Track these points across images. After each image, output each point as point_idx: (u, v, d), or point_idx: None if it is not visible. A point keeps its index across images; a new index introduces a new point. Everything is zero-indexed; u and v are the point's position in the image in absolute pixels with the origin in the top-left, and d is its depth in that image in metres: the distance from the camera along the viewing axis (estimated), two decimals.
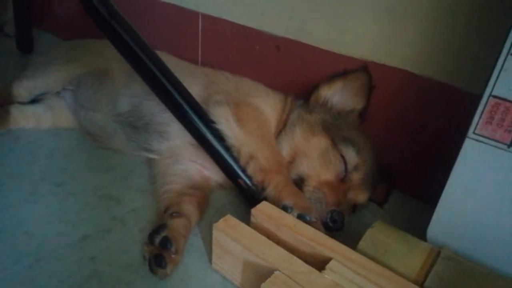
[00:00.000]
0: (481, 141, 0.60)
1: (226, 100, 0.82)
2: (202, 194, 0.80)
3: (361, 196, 0.79)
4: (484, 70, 0.75)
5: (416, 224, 0.83)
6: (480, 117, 0.60)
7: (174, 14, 1.21)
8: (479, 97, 0.60)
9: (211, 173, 0.86)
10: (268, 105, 0.87)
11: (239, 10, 1.09)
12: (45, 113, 1.03)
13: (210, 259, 0.70)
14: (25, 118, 1.02)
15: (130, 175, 0.91)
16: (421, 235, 0.68)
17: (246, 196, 0.80)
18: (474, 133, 0.61)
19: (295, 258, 0.59)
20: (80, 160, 0.94)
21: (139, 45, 0.76)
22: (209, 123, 0.78)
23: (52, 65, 1.06)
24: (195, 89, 0.87)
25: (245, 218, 0.69)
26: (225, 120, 0.78)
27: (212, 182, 0.87)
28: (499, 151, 0.59)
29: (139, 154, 0.93)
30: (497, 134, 0.59)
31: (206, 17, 1.16)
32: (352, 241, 0.69)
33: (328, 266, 0.58)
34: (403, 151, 0.91)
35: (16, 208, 0.78)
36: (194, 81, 0.89)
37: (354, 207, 0.81)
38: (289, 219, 0.67)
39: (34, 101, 1.07)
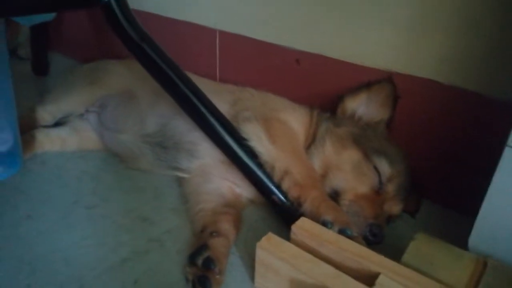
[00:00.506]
0: None
1: (255, 116, 0.82)
2: (236, 212, 0.80)
3: (396, 208, 0.79)
4: (510, 77, 0.77)
5: (449, 233, 0.84)
6: None
7: (191, 32, 1.22)
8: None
9: (242, 190, 0.86)
10: (296, 119, 0.87)
11: (256, 26, 1.10)
12: (70, 135, 1.04)
13: (250, 278, 0.70)
14: (50, 141, 1.03)
15: (160, 195, 0.91)
16: (456, 244, 0.68)
17: (280, 213, 0.80)
18: None
19: (343, 275, 0.59)
20: (109, 182, 0.95)
21: (169, 66, 0.77)
22: (240, 140, 0.79)
23: (74, 87, 1.07)
24: (223, 107, 0.88)
25: (279, 234, 0.68)
26: (256, 137, 0.79)
27: (243, 199, 0.87)
28: None
29: (168, 173, 0.93)
30: None
31: (224, 34, 1.17)
32: (388, 254, 0.69)
33: (378, 281, 0.58)
34: (432, 161, 0.91)
35: (51, 234, 0.78)
36: (220, 99, 0.90)
37: (389, 219, 0.81)
38: (331, 234, 0.67)
39: (57, 124, 1.08)
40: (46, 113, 1.05)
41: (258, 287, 0.68)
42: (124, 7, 0.76)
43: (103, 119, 1.02)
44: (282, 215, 0.80)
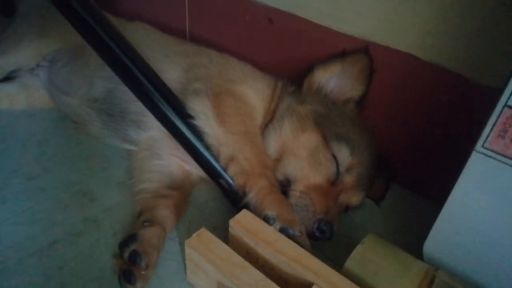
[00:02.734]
0: (490, 156, 0.52)
1: (206, 90, 0.73)
2: (180, 195, 0.74)
3: (354, 198, 0.72)
4: (500, 64, 0.66)
5: (413, 223, 0.78)
6: (492, 129, 0.51)
7: None
8: (496, 92, 0.50)
9: (192, 167, 0.79)
10: (255, 92, 0.78)
11: None
12: (19, 92, 0.96)
13: (186, 269, 0.65)
14: None
15: (109, 167, 0.85)
16: (418, 235, 0.62)
17: (229, 197, 0.74)
18: (483, 147, 0.52)
19: (271, 283, 0.54)
20: (56, 148, 0.88)
21: (103, 27, 0.66)
22: (186, 118, 0.70)
23: (25, 39, 0.96)
24: (174, 74, 0.79)
25: (228, 217, 0.63)
26: (204, 116, 0.70)
27: (194, 176, 0.80)
28: (510, 168, 0.51)
29: (117, 143, 0.86)
30: (510, 150, 0.51)
31: None
32: (343, 245, 0.64)
33: None
34: (404, 142, 0.82)
35: None
36: (173, 64, 0.80)
37: (347, 208, 0.74)
38: (271, 233, 0.61)
39: (6, 79, 0.99)
40: None
41: (190, 281, 0.63)
42: None
43: (52, 76, 0.93)
44: (231, 200, 0.74)
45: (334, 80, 0.80)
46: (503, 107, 0.50)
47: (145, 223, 0.65)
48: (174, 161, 0.78)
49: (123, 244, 0.62)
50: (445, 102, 0.74)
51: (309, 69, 0.81)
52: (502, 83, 0.50)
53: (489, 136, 0.52)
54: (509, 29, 0.63)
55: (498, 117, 0.50)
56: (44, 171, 0.82)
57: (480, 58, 0.67)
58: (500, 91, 0.49)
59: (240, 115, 0.72)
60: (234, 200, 0.72)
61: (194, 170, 0.79)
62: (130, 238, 0.63)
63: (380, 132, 0.81)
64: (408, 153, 0.83)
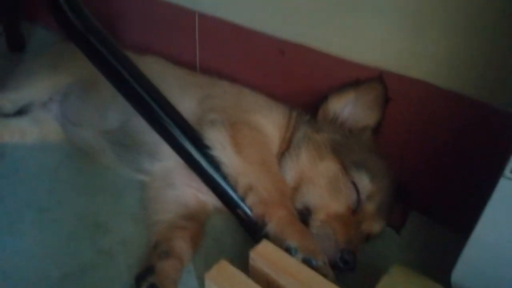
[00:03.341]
0: None
1: (221, 120, 0.73)
2: (196, 226, 0.72)
3: (376, 227, 0.71)
4: None
5: (433, 251, 0.76)
6: None
7: (169, 12, 1.11)
8: None
9: (208, 197, 0.78)
10: (270, 122, 0.78)
11: (238, 9, 0.98)
12: (31, 126, 0.96)
13: None
14: (9, 132, 0.95)
15: (121, 197, 0.83)
16: (441, 264, 0.61)
17: (246, 228, 0.72)
18: (511, 172, 0.51)
19: None
20: (68, 179, 0.87)
21: (119, 60, 0.67)
22: (203, 148, 0.70)
23: (37, 73, 0.98)
24: (189, 104, 0.79)
25: (245, 248, 0.61)
26: (220, 146, 0.69)
27: (209, 206, 0.79)
28: None
29: (130, 174, 0.85)
30: None
31: (204, 16, 1.06)
32: (366, 275, 0.62)
33: None
34: (422, 170, 0.81)
35: None
36: (187, 95, 0.81)
37: (368, 237, 0.73)
38: (293, 264, 0.59)
39: (18, 113, 0.99)
40: (6, 101, 0.96)
41: None
42: None
43: (64, 109, 0.93)
44: (248, 230, 0.72)
45: (349, 108, 0.80)
46: None
47: (162, 255, 0.63)
48: (189, 191, 0.77)
49: (140, 277, 0.60)
50: (462, 128, 0.74)
51: (323, 98, 0.81)
52: None
53: None
54: None
55: None
56: (57, 203, 0.81)
57: (497, 83, 0.67)
58: None
59: (256, 145, 0.72)
60: (252, 230, 0.70)
61: (210, 200, 0.78)
62: (147, 271, 0.61)
63: (397, 159, 0.80)
64: (426, 181, 0.82)
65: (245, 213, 0.70)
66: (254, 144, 0.71)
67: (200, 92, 0.82)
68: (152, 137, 0.79)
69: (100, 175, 0.88)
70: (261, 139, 0.73)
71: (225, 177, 0.69)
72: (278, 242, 0.62)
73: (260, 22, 0.95)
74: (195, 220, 0.73)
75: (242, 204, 0.70)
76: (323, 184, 0.69)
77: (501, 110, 0.68)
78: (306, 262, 0.59)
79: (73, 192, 0.84)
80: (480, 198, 0.56)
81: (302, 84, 0.93)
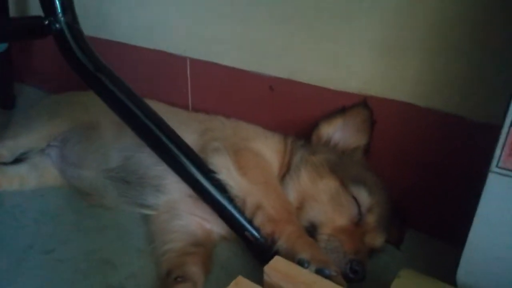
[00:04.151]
0: (506, 175, 0.56)
1: (224, 147, 0.77)
2: (205, 252, 0.74)
3: (378, 240, 0.74)
4: (490, 98, 0.74)
5: (436, 264, 0.79)
6: (502, 149, 0.56)
7: (161, 60, 1.18)
8: (496, 128, 0.56)
9: (213, 226, 0.80)
10: (269, 148, 0.82)
11: (227, 52, 1.06)
12: (29, 173, 0.97)
13: None
14: (8, 180, 0.95)
15: (125, 235, 0.84)
16: (442, 273, 0.63)
17: (254, 250, 0.74)
18: (497, 167, 0.57)
19: None
20: (70, 222, 0.87)
21: (129, 96, 0.72)
22: (209, 173, 0.73)
23: (35, 122, 1.00)
24: (190, 138, 0.83)
25: (254, 273, 0.62)
26: (225, 169, 0.73)
27: (215, 235, 0.80)
28: None
29: (134, 210, 0.86)
30: None
31: (194, 61, 1.13)
32: (374, 286, 0.64)
33: None
34: (413, 187, 0.86)
35: (2, 281, 0.70)
36: (188, 129, 0.85)
37: (371, 252, 0.75)
38: (307, 275, 0.61)
39: (16, 160, 1.00)
40: (4, 150, 0.98)
41: None
42: (78, 35, 0.71)
43: (64, 154, 0.95)
44: (256, 253, 0.74)
45: (338, 133, 0.85)
46: (509, 127, 0.55)
47: (178, 279, 0.64)
48: (195, 221, 0.79)
49: None
50: (446, 143, 0.80)
51: (315, 125, 0.87)
52: (498, 118, 0.56)
53: (501, 156, 0.56)
54: (494, 65, 0.71)
55: (506, 137, 0.56)
56: (60, 244, 0.80)
57: (473, 97, 0.75)
58: (504, 114, 0.55)
59: (260, 167, 0.76)
60: (261, 252, 0.72)
61: (215, 229, 0.80)
62: None
63: (387, 177, 0.85)
64: (416, 196, 0.86)
65: (252, 235, 0.72)
66: (257, 167, 0.75)
67: (200, 126, 0.87)
68: (156, 171, 0.82)
69: (103, 216, 0.89)
70: (263, 163, 0.77)
71: (231, 201, 0.72)
72: (290, 257, 0.64)
73: (249, 62, 1.02)
74: (204, 247, 0.74)
75: (249, 227, 0.72)
76: (325, 200, 0.73)
77: (481, 122, 0.75)
78: (320, 272, 0.61)
79: (77, 233, 0.84)
80: (469, 209, 0.61)
81: (292, 115, 0.99)
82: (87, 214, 0.90)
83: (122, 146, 0.87)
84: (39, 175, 0.97)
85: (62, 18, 0.67)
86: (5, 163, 0.99)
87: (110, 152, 0.88)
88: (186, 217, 0.79)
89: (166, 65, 1.18)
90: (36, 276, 0.72)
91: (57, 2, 0.67)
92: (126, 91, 0.72)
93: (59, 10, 0.67)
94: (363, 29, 0.83)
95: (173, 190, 0.81)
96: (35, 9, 1.42)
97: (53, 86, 1.53)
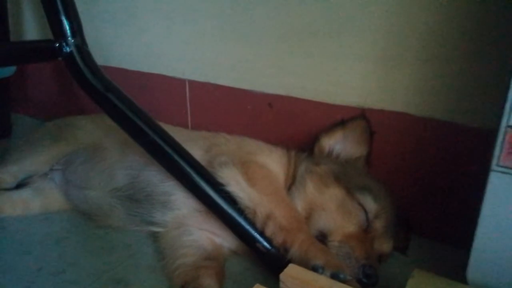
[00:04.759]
0: (506, 172, 0.59)
1: (231, 160, 0.79)
2: (218, 265, 0.74)
3: (386, 246, 0.75)
4: (484, 103, 0.78)
5: (443, 268, 0.80)
6: (501, 148, 0.60)
7: (160, 83, 1.21)
8: (491, 132, 0.60)
9: (223, 240, 0.81)
10: (274, 161, 0.84)
11: (225, 73, 1.09)
12: (33, 197, 0.97)
13: None
14: (11, 205, 0.95)
15: (134, 254, 0.84)
16: (450, 274, 0.64)
17: (265, 262, 0.75)
18: (497, 165, 0.60)
19: None
20: (77, 244, 0.87)
21: (137, 115, 0.74)
22: (218, 186, 0.75)
23: (37, 146, 1.01)
24: (197, 153, 0.84)
25: (266, 285, 0.63)
26: (234, 181, 0.75)
27: (225, 249, 0.81)
28: None
29: (141, 229, 0.87)
30: None
31: (193, 83, 1.16)
32: None
33: None
34: (415, 194, 0.89)
35: None
36: (194, 146, 0.86)
37: (380, 259, 0.77)
38: (324, 280, 0.62)
39: (19, 185, 1.00)
40: (7, 175, 0.98)
41: None
42: (86, 57, 0.73)
43: (68, 176, 0.95)
44: (268, 263, 0.74)
45: (339, 145, 0.88)
46: (506, 128, 0.59)
47: None
48: (205, 235, 0.80)
49: None
50: (442, 149, 0.84)
51: (315, 139, 0.90)
52: (492, 122, 0.60)
53: (501, 155, 0.60)
54: (486, 71, 0.75)
55: (504, 137, 0.59)
56: (69, 266, 0.80)
57: (466, 104, 0.79)
58: (500, 114, 0.59)
59: (267, 179, 0.77)
60: (272, 263, 0.73)
61: (225, 243, 0.81)
62: None
63: (389, 185, 0.87)
64: (417, 202, 0.89)
65: (264, 246, 0.73)
66: (265, 178, 0.77)
67: (205, 143, 0.89)
68: (164, 187, 0.83)
69: (110, 236, 0.89)
70: (270, 175, 0.79)
71: (241, 213, 0.73)
72: (303, 264, 0.65)
73: (247, 81, 1.06)
74: (216, 261, 0.75)
75: (260, 238, 0.73)
76: (333, 208, 0.75)
77: (476, 127, 0.78)
78: (335, 277, 0.62)
79: (85, 254, 0.84)
80: (470, 212, 0.64)
81: (292, 131, 1.02)
82: (93, 235, 0.90)
83: (127, 165, 0.88)
84: (42, 199, 0.97)
85: (72, 41, 0.69)
86: (7, 189, 0.98)
87: (115, 171, 0.89)
88: (196, 232, 0.80)
89: (165, 88, 1.21)
90: None
91: (67, 26, 0.69)
92: (135, 110, 0.74)
93: (69, 33, 0.69)
94: (356, 45, 0.88)
95: (182, 205, 0.82)
96: (31, 32, 1.46)
97: (48, 114, 1.54)
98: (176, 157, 0.74)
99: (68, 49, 0.70)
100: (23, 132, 1.46)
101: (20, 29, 1.50)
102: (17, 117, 1.60)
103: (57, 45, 0.69)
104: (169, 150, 0.74)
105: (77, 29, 0.70)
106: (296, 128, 1.01)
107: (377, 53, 0.85)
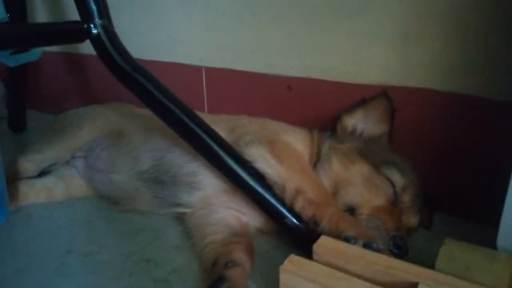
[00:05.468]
0: None
1: (257, 139, 0.79)
2: (247, 241, 0.75)
3: (413, 219, 0.76)
4: (509, 76, 0.78)
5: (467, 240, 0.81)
6: None
7: (177, 71, 1.21)
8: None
9: (250, 219, 0.81)
10: (298, 140, 0.85)
11: (242, 58, 1.10)
12: (56, 184, 0.97)
13: None
14: (35, 193, 0.96)
15: (160, 235, 0.85)
16: None
17: (294, 237, 0.75)
18: None
19: None
20: (103, 228, 0.88)
21: (165, 95, 0.74)
22: (245, 164, 0.75)
23: (59, 134, 1.01)
24: (221, 135, 0.85)
25: None
26: (262, 158, 0.75)
27: (251, 228, 0.82)
28: None
29: (167, 211, 0.87)
30: None
31: (210, 70, 1.16)
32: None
33: None
34: (439, 171, 0.89)
35: (47, 285, 0.70)
36: (217, 128, 0.86)
37: (407, 232, 0.77)
38: (356, 250, 0.62)
39: (42, 173, 1.01)
40: (29, 164, 0.98)
41: None
42: (114, 39, 0.74)
43: (91, 162, 0.96)
44: (297, 239, 0.75)
45: (361, 124, 0.88)
46: None
47: (229, 264, 0.65)
48: (232, 214, 0.80)
49: (213, 287, 0.61)
50: (466, 124, 0.84)
51: (337, 119, 0.90)
52: None
53: None
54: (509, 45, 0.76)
55: None
56: (99, 247, 0.81)
57: (491, 77, 0.79)
58: None
59: (294, 156, 0.78)
60: (301, 238, 0.73)
61: (252, 222, 0.81)
62: (218, 280, 0.62)
63: (415, 163, 0.88)
64: (444, 180, 0.89)
65: (292, 222, 0.73)
66: (292, 156, 0.77)
67: (227, 124, 0.89)
68: (189, 168, 0.84)
69: (135, 220, 0.90)
70: (295, 152, 0.80)
71: (270, 189, 0.74)
72: (335, 236, 0.66)
73: (265, 65, 1.06)
74: (244, 237, 0.75)
75: (288, 214, 0.74)
76: (360, 183, 0.75)
77: (501, 101, 0.79)
78: (368, 246, 0.63)
79: (112, 237, 0.84)
80: (496, 186, 0.64)
81: (312, 113, 1.02)
82: (118, 219, 0.91)
83: (151, 148, 0.89)
84: (66, 186, 0.98)
85: (99, 22, 0.70)
86: (30, 177, 0.99)
87: (140, 155, 0.89)
88: (223, 211, 0.80)
89: (182, 76, 1.21)
90: (80, 278, 0.72)
91: (94, 7, 0.70)
92: (162, 90, 0.74)
93: (96, 14, 0.70)
94: (378, 23, 0.88)
95: (208, 185, 0.82)
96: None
97: (60, 109, 1.55)
98: (204, 135, 0.74)
99: (96, 31, 0.71)
100: (37, 127, 1.47)
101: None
102: (29, 113, 1.60)
103: (86, 26, 0.70)
104: (197, 129, 0.74)
105: (104, 10, 0.71)
106: (317, 110, 1.01)
107: (399, 30, 0.86)
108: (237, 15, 1.07)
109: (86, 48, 1.40)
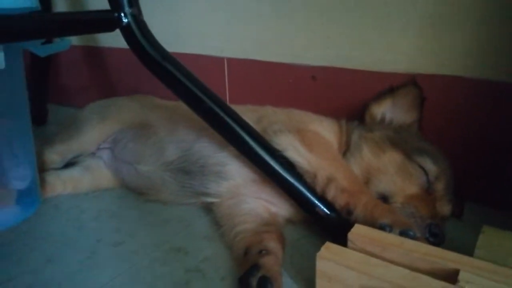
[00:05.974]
0: None
1: (286, 128, 0.79)
2: (278, 230, 0.74)
3: (446, 208, 0.75)
4: None
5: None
6: None
7: (198, 63, 1.21)
8: None
9: (279, 209, 0.81)
10: (326, 129, 0.84)
11: (265, 48, 1.09)
12: (83, 175, 0.98)
13: None
14: (62, 184, 0.96)
15: (189, 225, 0.85)
16: None
17: (324, 227, 0.75)
18: None
19: (422, 275, 0.53)
20: (132, 218, 0.88)
21: (194, 83, 0.74)
22: (275, 152, 0.75)
23: (85, 125, 1.02)
24: None
25: None
26: (292, 147, 0.75)
27: (280, 218, 0.81)
28: None
29: (195, 201, 0.87)
30: None
31: (232, 61, 1.16)
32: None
33: (461, 277, 0.52)
34: (469, 160, 0.88)
35: (77, 276, 0.71)
36: (244, 118, 0.86)
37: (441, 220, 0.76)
38: (393, 238, 0.62)
39: (67, 165, 1.02)
40: (55, 155, 0.99)
41: None
42: (143, 28, 0.74)
43: (117, 153, 0.96)
44: (328, 228, 0.74)
45: (390, 112, 0.87)
46: None
47: (263, 252, 0.64)
48: (261, 204, 0.80)
49: (247, 274, 0.61)
50: (495, 110, 0.82)
51: (365, 106, 0.89)
52: None
53: None
54: None
55: None
56: (128, 237, 0.81)
57: None
58: None
59: (324, 145, 0.77)
60: (332, 228, 0.73)
61: (281, 212, 0.81)
62: (252, 268, 0.61)
63: (444, 151, 0.86)
64: (473, 169, 0.88)
65: (323, 211, 0.73)
66: (322, 145, 0.77)
67: (254, 115, 0.88)
68: (217, 158, 0.83)
69: (162, 210, 0.90)
70: (325, 141, 0.79)
71: (300, 178, 0.73)
72: (369, 224, 0.65)
73: (288, 55, 1.05)
74: (274, 226, 0.75)
75: (319, 203, 0.73)
76: (393, 171, 0.74)
77: None
78: (404, 234, 0.62)
79: (141, 227, 0.84)
80: None
81: (337, 103, 1.01)
82: (145, 210, 0.91)
83: (177, 139, 0.89)
84: (92, 177, 0.98)
85: (129, 11, 0.70)
86: (56, 169, 1.00)
87: (166, 145, 0.90)
88: (252, 201, 0.80)
89: (203, 67, 1.21)
90: (112, 266, 0.73)
91: None
92: (191, 78, 0.74)
93: (126, 3, 0.70)
94: (405, 10, 0.86)
95: (236, 175, 0.82)
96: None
97: (79, 101, 1.56)
98: (233, 124, 0.74)
99: (126, 20, 0.70)
100: (58, 120, 1.48)
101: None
102: (50, 107, 1.62)
103: (116, 15, 0.70)
104: (226, 118, 0.74)
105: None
106: (342, 100, 1.00)
107: (427, 17, 0.84)
108: (260, 8, 1.06)
109: (106, 40, 1.42)
